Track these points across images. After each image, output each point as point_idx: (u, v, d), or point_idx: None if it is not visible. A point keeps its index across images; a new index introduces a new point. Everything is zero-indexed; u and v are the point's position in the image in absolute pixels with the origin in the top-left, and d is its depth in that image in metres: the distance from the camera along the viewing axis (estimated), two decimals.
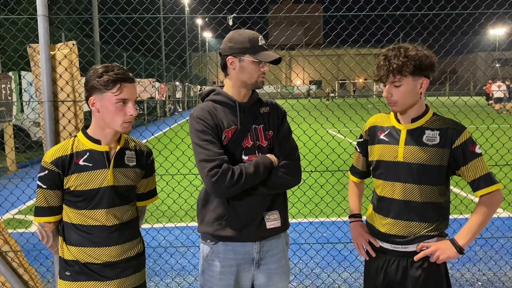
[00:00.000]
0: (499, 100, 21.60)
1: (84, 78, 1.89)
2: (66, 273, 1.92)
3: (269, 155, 1.95)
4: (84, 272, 1.89)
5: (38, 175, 1.89)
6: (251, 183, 1.88)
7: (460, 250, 1.88)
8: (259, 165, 1.88)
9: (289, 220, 2.14)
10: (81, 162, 1.86)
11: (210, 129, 1.91)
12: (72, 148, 1.88)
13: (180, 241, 4.38)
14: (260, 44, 1.95)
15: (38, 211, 1.91)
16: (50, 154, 1.87)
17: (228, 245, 1.98)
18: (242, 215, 1.94)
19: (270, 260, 2.03)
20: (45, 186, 1.87)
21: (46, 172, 1.86)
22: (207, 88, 2.16)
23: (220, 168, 1.83)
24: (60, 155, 1.86)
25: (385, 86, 1.93)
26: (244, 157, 1.95)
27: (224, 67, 2.00)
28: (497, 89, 21.47)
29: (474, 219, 1.89)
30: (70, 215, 1.90)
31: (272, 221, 1.99)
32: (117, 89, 1.79)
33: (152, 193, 2.16)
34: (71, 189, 1.86)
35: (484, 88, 24.27)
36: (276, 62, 2.00)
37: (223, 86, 2.07)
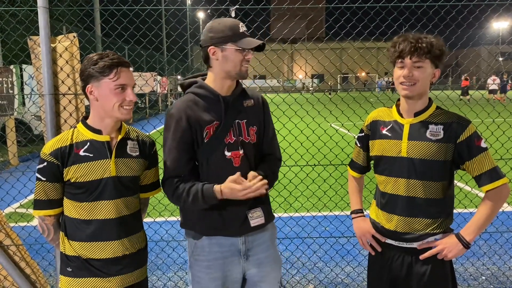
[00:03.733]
0: (492, 91, 22.93)
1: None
2: (67, 269, 1.89)
3: (216, 188, 1.83)
4: (86, 268, 1.86)
5: (37, 167, 1.85)
6: (193, 207, 1.90)
7: (467, 246, 1.86)
8: (198, 198, 1.84)
9: (292, 214, 2.13)
10: (81, 153, 1.82)
11: (180, 132, 1.88)
12: (71, 138, 1.84)
13: (182, 235, 4.36)
14: (241, 31, 1.86)
15: (38, 204, 1.88)
16: (49, 145, 1.83)
17: (212, 238, 1.95)
18: (223, 213, 1.92)
19: (258, 250, 2.00)
20: (44, 179, 1.83)
21: (45, 164, 1.82)
22: (188, 78, 2.04)
23: (172, 179, 1.89)
24: (59, 146, 1.82)
25: (401, 68, 1.86)
26: (227, 153, 1.90)
27: (207, 59, 1.91)
28: (492, 82, 23.00)
29: (481, 214, 1.87)
30: (71, 209, 1.87)
31: (255, 218, 1.95)
32: (114, 74, 1.76)
33: (155, 185, 2.11)
34: (72, 180, 1.82)
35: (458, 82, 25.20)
36: (260, 48, 1.91)
37: (205, 77, 1.99)
